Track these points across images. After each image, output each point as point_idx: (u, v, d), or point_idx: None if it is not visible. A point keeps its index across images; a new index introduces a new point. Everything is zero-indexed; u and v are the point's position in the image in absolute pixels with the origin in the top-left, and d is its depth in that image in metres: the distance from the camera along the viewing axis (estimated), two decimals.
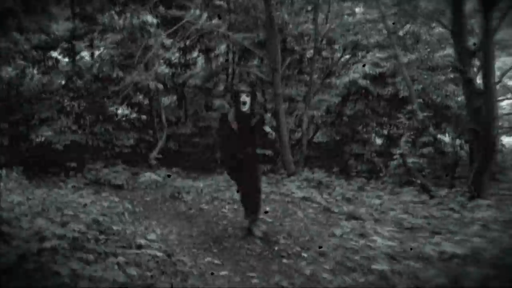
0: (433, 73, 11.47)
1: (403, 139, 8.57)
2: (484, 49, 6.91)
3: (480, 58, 7.57)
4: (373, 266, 3.43)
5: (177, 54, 13.21)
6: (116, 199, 5.65)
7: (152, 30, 9.29)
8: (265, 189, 7.47)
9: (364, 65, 11.13)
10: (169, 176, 8.10)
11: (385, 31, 12.54)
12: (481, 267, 3.19)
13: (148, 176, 7.66)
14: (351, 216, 5.74)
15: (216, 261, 3.77)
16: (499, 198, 7.84)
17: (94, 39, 11.49)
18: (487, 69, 6.99)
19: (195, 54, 14.19)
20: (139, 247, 3.57)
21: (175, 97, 14.18)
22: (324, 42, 14.03)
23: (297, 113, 11.41)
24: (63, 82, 11.38)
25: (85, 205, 4.56)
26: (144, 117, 13.06)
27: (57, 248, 3.09)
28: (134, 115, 13.06)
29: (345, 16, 14.50)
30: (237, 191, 4.86)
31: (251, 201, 4.62)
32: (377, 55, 11.74)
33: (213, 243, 4.31)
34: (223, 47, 14.61)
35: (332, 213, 6.00)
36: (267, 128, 4.54)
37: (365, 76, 11.15)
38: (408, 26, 12.66)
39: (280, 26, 11.72)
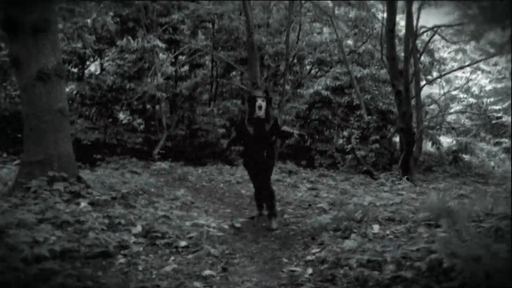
0: (382, 85, 13.67)
1: (353, 136, 10.62)
2: (406, 71, 9.05)
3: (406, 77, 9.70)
4: (318, 205, 5.37)
5: (172, 68, 15.00)
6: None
7: (159, 51, 11.06)
8: None
9: (325, 79, 13.14)
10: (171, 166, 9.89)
11: (347, 49, 14.70)
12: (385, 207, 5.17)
13: (158, 164, 9.43)
14: (311, 188, 7.69)
15: (218, 205, 5.65)
16: (423, 180, 9.98)
17: (103, 56, 13.21)
18: (407, 84, 9.13)
19: (186, 68, 15.98)
20: (175, 199, 5.41)
21: (168, 105, 15.93)
22: (295, 59, 16.13)
23: None
24: (75, 91, 12.95)
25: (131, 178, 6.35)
26: (144, 121, 14.90)
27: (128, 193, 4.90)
28: (138, 120, 14.85)
29: (314, 34, 16.60)
30: (255, 189, 5.09)
31: (267, 199, 4.88)
32: (337, 70, 13.80)
33: (217, 200, 6.17)
34: (209, 63, 16.48)
35: (297, 187, 7.93)
36: (286, 128, 4.94)
37: (327, 88, 13.17)
38: (364, 46, 14.82)
39: (258, 46, 13.67)
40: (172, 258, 3.63)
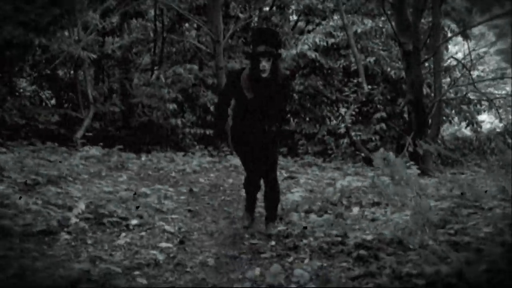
0: (393, 43, 15.21)
1: (348, 112, 12.17)
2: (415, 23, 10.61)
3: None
4: (293, 190, 6.84)
5: (97, 18, 16.03)
6: None
7: None
8: (209, 162, 10.83)
9: (314, 36, 14.58)
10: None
11: None
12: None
13: (86, 150, 10.67)
14: (288, 177, 9.16)
15: (169, 192, 7.04)
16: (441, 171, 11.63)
17: None
18: (417, 42, 10.71)
19: (116, 18, 17.01)
20: (116, 183, 6.76)
21: (92, 71, 17.00)
22: (273, 7, 17.53)
23: None
24: None
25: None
26: (55, 92, 16.02)
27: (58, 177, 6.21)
28: (48, 90, 15.96)
29: None
30: (247, 179, 5.44)
31: (272, 196, 5.34)
32: (331, 23, 15.26)
33: (169, 188, 7.55)
34: (151, 11, 17.62)
35: None
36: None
37: (316, 48, 14.63)
38: None
39: None
40: (124, 234, 4.99)
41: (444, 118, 15.10)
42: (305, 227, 5.00)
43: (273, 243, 4.84)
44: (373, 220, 5.36)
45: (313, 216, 5.40)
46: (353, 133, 11.90)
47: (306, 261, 4.30)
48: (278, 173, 9.69)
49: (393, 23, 11.62)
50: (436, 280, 3.67)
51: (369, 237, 4.50)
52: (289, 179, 8.97)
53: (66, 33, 14.70)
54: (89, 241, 4.79)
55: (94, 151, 10.75)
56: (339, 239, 4.65)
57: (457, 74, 15.13)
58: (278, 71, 4.92)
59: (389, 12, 12.55)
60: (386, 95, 14.05)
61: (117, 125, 15.13)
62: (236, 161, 10.14)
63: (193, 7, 15.57)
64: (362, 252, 4.34)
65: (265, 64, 4.75)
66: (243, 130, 5.08)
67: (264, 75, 4.81)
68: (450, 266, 3.71)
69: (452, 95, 14.62)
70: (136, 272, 4.08)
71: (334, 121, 14.99)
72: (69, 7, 13.30)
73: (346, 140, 12.86)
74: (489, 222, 4.24)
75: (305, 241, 4.75)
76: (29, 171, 7.07)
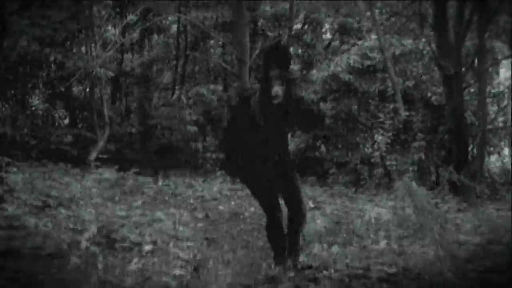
0: (435, 66, 15.36)
1: (383, 139, 12.33)
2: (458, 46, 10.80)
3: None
4: (317, 220, 7.04)
5: (117, 34, 16.63)
6: None
7: (101, 9, 12.79)
8: (230, 189, 11.08)
9: (347, 57, 14.84)
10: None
11: (385, 12, 16.44)
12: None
13: (99, 172, 11.05)
14: (314, 208, 9.35)
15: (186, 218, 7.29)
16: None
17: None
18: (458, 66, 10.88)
19: (137, 34, 17.59)
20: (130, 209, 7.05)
21: (109, 89, 17.54)
22: (305, 25, 17.89)
23: None
24: None
25: None
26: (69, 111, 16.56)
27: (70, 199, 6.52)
28: (61, 110, 16.50)
29: None
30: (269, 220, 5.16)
31: (296, 220, 5.13)
32: (366, 44, 15.53)
33: (186, 215, 7.80)
34: (174, 28, 18.16)
35: None
36: None
37: (350, 70, 14.87)
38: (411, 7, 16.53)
39: (249, 5, 15.39)
40: (136, 260, 5.23)
41: (491, 149, 15.17)
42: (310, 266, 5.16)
43: (291, 274, 5.03)
44: (399, 254, 5.51)
45: (336, 248, 5.57)
46: (388, 163, 12.04)
47: None
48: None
49: (433, 45, 11.81)
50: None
51: (392, 271, 4.66)
52: (315, 209, 9.15)
53: (83, 49, 15.29)
54: (100, 266, 5.04)
55: (108, 174, 11.10)
56: (361, 272, 4.82)
57: (506, 101, 15.22)
58: (292, 96, 4.90)
59: (430, 33, 12.77)
60: (426, 122, 14.17)
61: (133, 147, 15.51)
62: None
63: (219, 24, 16.01)
64: (384, 286, 4.52)
65: (278, 89, 4.71)
66: (254, 159, 4.95)
67: (277, 101, 4.74)
68: None
69: (501, 124, 14.65)
70: None
71: (368, 149, 15.13)
72: (87, 22, 13.86)
73: (380, 170, 12.99)
74: None
75: (325, 272, 4.93)
76: (40, 192, 7.42)
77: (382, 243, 6.06)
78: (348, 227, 6.76)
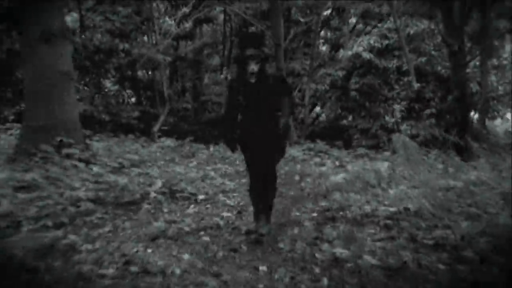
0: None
1: (398, 108, 12.65)
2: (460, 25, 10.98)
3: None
4: (339, 175, 7.52)
5: (173, 25, 17.18)
6: None
7: (160, 4, 13.37)
8: None
9: (368, 38, 15.11)
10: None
11: None
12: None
13: (162, 141, 11.77)
14: (339, 166, 9.81)
15: (234, 177, 7.85)
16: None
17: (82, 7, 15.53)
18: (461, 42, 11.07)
19: (190, 24, 18.13)
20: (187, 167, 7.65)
21: (168, 71, 18.18)
22: (333, 12, 18.07)
23: (300, 87, 15.46)
24: None
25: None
26: (135, 91, 17.31)
27: (140, 161, 7.14)
28: (128, 90, 17.27)
29: None
30: (251, 185, 5.00)
31: (264, 195, 4.88)
32: (386, 25, 15.73)
33: (233, 173, 8.38)
34: (221, 17, 18.63)
35: (323, 165, 10.06)
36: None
37: (371, 49, 15.14)
38: None
39: None
40: (192, 206, 5.85)
41: (495, 113, 15.29)
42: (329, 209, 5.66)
43: (314, 214, 5.55)
44: (401, 199, 5.96)
45: (352, 195, 6.05)
46: (402, 128, 12.37)
47: (341, 227, 4.99)
48: (329, 163, 10.39)
49: (441, 25, 12.00)
50: (443, 242, 4.31)
51: (394, 210, 5.15)
52: (339, 167, 9.61)
53: (146, 39, 15.94)
54: (165, 210, 5.68)
55: (169, 142, 11.79)
56: (370, 212, 5.31)
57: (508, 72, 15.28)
58: (266, 74, 4.75)
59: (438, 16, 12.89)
60: (437, 92, 14.39)
61: (189, 120, 16.18)
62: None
63: (258, 13, 16.36)
64: (388, 221, 5.00)
65: (253, 67, 4.60)
66: (246, 134, 4.83)
67: (253, 79, 4.65)
68: (456, 231, 4.34)
69: (501, 93, 14.76)
70: (202, 233, 4.91)
71: (387, 117, 15.43)
72: (148, 15, 14.47)
73: (396, 134, 13.29)
74: (497, 200, 4.81)
75: (341, 213, 5.44)
76: (117, 156, 8.11)
77: (390, 191, 6.52)
78: (364, 180, 7.19)
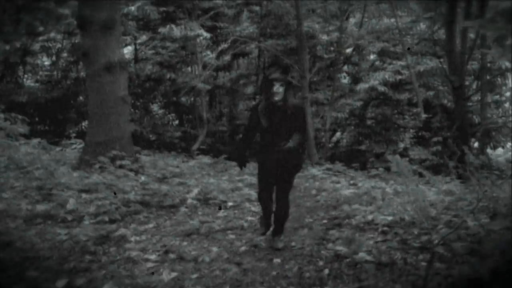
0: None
1: (407, 135, 12.92)
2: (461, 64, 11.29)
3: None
4: (349, 190, 7.87)
5: (214, 58, 17.83)
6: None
7: (203, 41, 14.02)
8: None
9: (384, 73, 15.45)
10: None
11: (415, 38, 16.90)
12: None
13: (200, 158, 12.29)
14: (352, 184, 10.14)
15: None
16: None
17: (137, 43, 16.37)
18: (462, 80, 11.36)
19: (228, 57, 18.79)
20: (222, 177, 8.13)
21: (207, 98, 18.81)
22: (353, 50, 18.49)
23: (322, 114, 15.86)
24: None
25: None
26: (178, 115, 17.99)
27: (180, 173, 7.66)
28: (172, 114, 17.96)
29: (381, 21, 18.87)
30: (259, 194, 4.99)
31: (281, 213, 4.84)
32: (400, 63, 16.05)
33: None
34: (255, 52, 19.23)
35: (338, 183, 10.41)
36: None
37: (386, 83, 15.46)
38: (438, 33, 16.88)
39: (311, 34, 16.22)
40: (222, 211, 6.30)
41: (497, 143, 15.38)
42: (337, 217, 6.03)
43: (325, 221, 5.94)
44: (397, 211, 6.30)
45: (358, 206, 6.41)
46: (412, 153, 12.60)
47: (346, 232, 5.37)
48: (344, 181, 10.72)
49: (445, 64, 12.31)
50: (428, 245, 4.66)
51: (391, 219, 5.51)
52: (351, 186, 9.95)
53: (189, 69, 16.63)
54: (200, 213, 6.15)
55: (206, 159, 12.28)
56: (372, 220, 5.68)
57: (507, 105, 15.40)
58: (291, 99, 4.70)
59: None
60: (443, 122, 14.59)
61: (224, 141, 16.70)
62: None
63: (287, 49, 16.88)
64: (385, 228, 5.36)
65: (278, 88, 4.54)
66: (263, 152, 4.73)
67: (277, 98, 4.56)
68: (439, 235, 4.68)
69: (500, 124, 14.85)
70: (228, 231, 5.35)
71: (399, 143, 15.68)
72: (192, 50, 15.16)
73: (405, 159, 13.53)
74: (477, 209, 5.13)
75: (347, 220, 5.82)
76: (160, 169, 8.64)
77: (394, 204, 6.86)
78: (370, 195, 7.53)
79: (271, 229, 5.00)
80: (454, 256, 4.32)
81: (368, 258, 4.36)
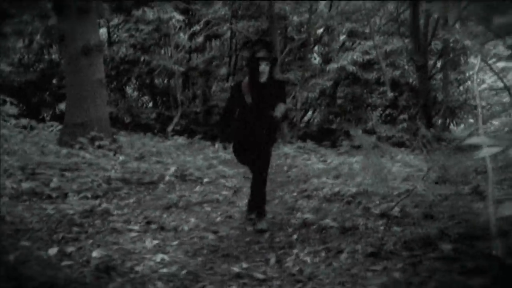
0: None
1: (375, 113, 13.42)
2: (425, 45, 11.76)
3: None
4: (317, 165, 8.29)
5: (187, 40, 17.96)
6: None
7: (176, 23, 14.18)
8: None
9: (352, 54, 15.88)
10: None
11: (383, 19, 17.34)
12: None
13: (175, 139, 12.58)
14: (322, 160, 10.59)
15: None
16: None
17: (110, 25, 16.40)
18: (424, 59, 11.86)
19: (201, 39, 18.95)
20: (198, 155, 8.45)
21: (181, 80, 18.99)
22: (323, 31, 18.86)
23: (294, 94, 16.24)
24: None
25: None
26: (152, 97, 18.16)
27: (157, 152, 7.95)
28: (146, 96, 18.13)
29: (350, 2, 19.22)
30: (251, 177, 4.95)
31: (259, 192, 4.81)
32: (367, 43, 16.48)
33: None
34: (228, 34, 19.41)
35: (309, 160, 10.85)
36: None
37: (354, 63, 15.90)
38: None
39: (282, 15, 16.49)
40: (198, 186, 6.64)
41: (459, 120, 16.07)
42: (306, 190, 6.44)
43: (295, 194, 6.34)
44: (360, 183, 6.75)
45: (325, 180, 6.83)
46: (378, 131, 13.10)
47: (314, 203, 5.78)
48: (314, 158, 11.15)
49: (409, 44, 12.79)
50: (387, 212, 5.11)
51: (355, 190, 5.93)
52: (320, 162, 10.39)
53: (163, 51, 16.75)
54: (177, 189, 6.48)
55: (181, 140, 12.55)
56: (339, 191, 6.09)
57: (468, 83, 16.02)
58: (274, 77, 4.83)
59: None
60: (409, 101, 15.15)
61: (198, 122, 16.95)
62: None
63: (259, 30, 17.11)
64: (350, 199, 5.79)
65: (264, 67, 4.62)
66: (244, 132, 4.78)
67: (263, 78, 4.67)
68: (393, 202, 5.13)
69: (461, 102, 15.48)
70: (205, 205, 5.71)
71: (368, 121, 16.20)
72: (166, 32, 15.28)
73: (374, 137, 14.05)
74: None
75: (315, 192, 6.23)
76: (138, 148, 8.92)
77: (357, 178, 7.30)
78: (338, 170, 7.97)
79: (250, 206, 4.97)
80: (410, 220, 4.76)
81: (333, 224, 4.77)
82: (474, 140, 2.14)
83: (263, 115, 4.69)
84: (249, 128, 4.76)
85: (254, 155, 4.79)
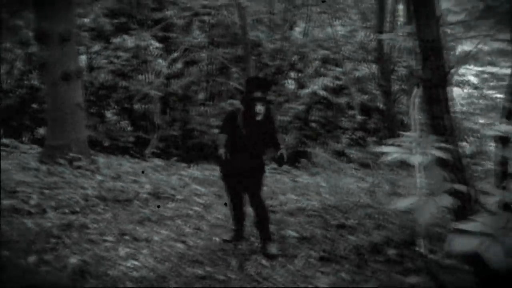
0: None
1: (343, 136, 13.94)
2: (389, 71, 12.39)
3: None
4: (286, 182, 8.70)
5: (165, 66, 18.41)
6: None
7: (154, 50, 14.64)
8: None
9: (323, 79, 16.50)
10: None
11: (355, 46, 18.05)
12: None
13: (153, 161, 12.87)
14: (294, 181, 11.01)
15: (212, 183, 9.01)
16: None
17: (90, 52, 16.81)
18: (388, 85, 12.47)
19: (180, 65, 19.42)
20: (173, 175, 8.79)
21: (159, 104, 19.38)
22: (296, 57, 19.50)
23: None
24: None
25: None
26: (131, 121, 18.46)
27: (134, 172, 8.29)
28: (125, 120, 18.42)
29: (328, 28, 19.94)
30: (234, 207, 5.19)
31: (261, 219, 4.87)
32: (338, 69, 17.15)
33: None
34: (205, 60, 19.94)
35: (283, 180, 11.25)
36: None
37: (326, 88, 16.50)
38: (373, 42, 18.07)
39: (257, 42, 17.08)
40: (171, 203, 6.98)
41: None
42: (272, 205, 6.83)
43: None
44: (323, 198, 7.18)
45: (290, 195, 7.24)
46: (349, 152, 13.64)
47: (278, 216, 6.17)
48: (285, 178, 11.55)
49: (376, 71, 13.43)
50: (344, 223, 5.53)
51: (317, 204, 6.36)
52: (291, 181, 10.81)
53: (141, 77, 17.17)
54: (151, 205, 6.80)
55: (158, 162, 12.85)
56: (302, 206, 6.50)
57: None
58: (269, 115, 4.97)
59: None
60: (378, 124, 15.75)
61: (176, 145, 17.30)
62: None
63: (235, 57, 17.67)
64: (312, 212, 6.20)
65: (260, 108, 4.74)
66: (234, 161, 4.81)
67: (259, 118, 4.79)
68: (354, 215, 5.56)
69: None
70: (177, 220, 6.05)
71: (338, 143, 16.75)
72: (145, 58, 15.72)
73: (343, 158, 14.59)
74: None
75: (280, 207, 6.63)
76: (115, 170, 9.22)
77: (320, 194, 7.73)
78: (306, 187, 8.40)
79: (261, 238, 4.90)
80: (363, 229, 5.19)
81: (293, 233, 5.17)
82: (385, 149, 2.58)
83: (257, 146, 4.88)
84: (242, 157, 4.86)
85: (246, 182, 4.92)
